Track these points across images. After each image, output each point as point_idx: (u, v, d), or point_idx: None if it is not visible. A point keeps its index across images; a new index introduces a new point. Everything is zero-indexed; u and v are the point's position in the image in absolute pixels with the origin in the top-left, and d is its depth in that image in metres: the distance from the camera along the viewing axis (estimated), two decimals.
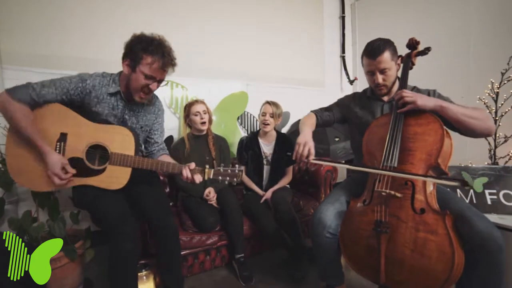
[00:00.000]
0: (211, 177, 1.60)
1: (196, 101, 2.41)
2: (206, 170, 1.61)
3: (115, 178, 1.59)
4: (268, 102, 2.50)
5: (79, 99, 1.58)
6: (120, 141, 1.60)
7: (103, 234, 1.52)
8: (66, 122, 1.56)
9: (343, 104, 1.89)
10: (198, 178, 1.60)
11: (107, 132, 1.60)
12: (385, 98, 1.74)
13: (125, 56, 1.57)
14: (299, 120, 3.38)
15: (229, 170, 1.60)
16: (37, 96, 1.47)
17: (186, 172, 1.59)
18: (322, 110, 1.91)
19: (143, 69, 1.52)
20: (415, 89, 1.67)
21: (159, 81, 1.61)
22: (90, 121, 1.59)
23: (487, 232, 1.20)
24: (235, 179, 1.60)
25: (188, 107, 2.42)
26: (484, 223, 1.23)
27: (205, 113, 2.38)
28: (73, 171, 1.51)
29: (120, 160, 1.57)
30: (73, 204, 1.74)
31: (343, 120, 1.91)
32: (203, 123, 2.37)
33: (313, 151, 1.52)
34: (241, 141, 2.64)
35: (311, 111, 1.92)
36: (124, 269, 1.52)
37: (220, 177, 1.61)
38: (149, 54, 1.51)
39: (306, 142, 1.53)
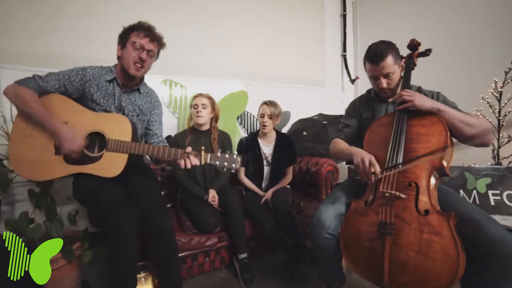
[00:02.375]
0: (208, 161, 1.57)
1: (200, 94, 2.41)
2: (203, 153, 1.57)
3: (111, 165, 1.62)
4: (265, 103, 2.46)
5: (80, 86, 1.67)
6: (117, 128, 1.65)
7: (101, 235, 1.51)
8: (68, 112, 1.62)
9: (355, 112, 1.84)
10: (194, 162, 1.58)
11: (105, 119, 1.66)
12: (390, 99, 1.72)
13: (118, 44, 1.72)
14: (300, 119, 3.41)
15: (226, 156, 1.57)
16: (42, 82, 1.58)
17: (186, 160, 1.58)
18: (341, 130, 1.83)
19: (131, 40, 1.66)
20: (419, 90, 1.66)
21: (149, 52, 1.69)
22: (90, 110, 1.67)
23: (499, 236, 1.18)
24: (233, 165, 1.57)
25: (192, 99, 2.43)
26: (496, 227, 1.21)
27: (204, 108, 2.35)
28: (83, 141, 1.57)
29: (117, 146, 1.60)
30: (72, 195, 1.72)
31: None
32: (198, 116, 2.35)
33: (375, 161, 1.40)
34: (241, 142, 2.61)
35: (334, 138, 1.81)
36: (124, 250, 1.51)
37: (217, 162, 1.57)
38: (135, 30, 1.67)
39: (363, 158, 1.41)
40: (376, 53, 1.56)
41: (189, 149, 1.59)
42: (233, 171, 1.61)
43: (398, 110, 1.50)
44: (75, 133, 1.53)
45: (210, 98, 2.42)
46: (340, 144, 1.73)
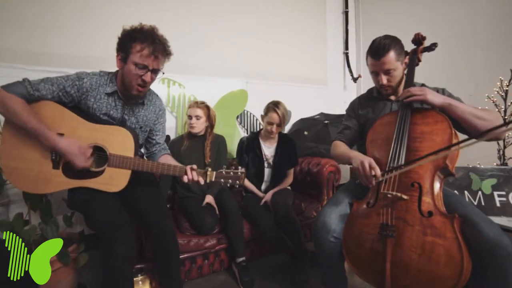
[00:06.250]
0: (213, 179, 1.57)
1: (195, 103, 2.38)
2: (208, 172, 1.57)
3: (114, 180, 1.56)
4: (274, 110, 2.33)
5: (76, 98, 1.55)
6: (119, 142, 1.57)
7: (98, 237, 1.48)
8: (63, 123, 1.52)
9: (353, 113, 1.82)
10: (200, 181, 1.57)
11: (105, 133, 1.56)
12: (393, 97, 1.70)
13: (117, 52, 1.54)
14: (301, 119, 3.37)
15: (231, 173, 1.57)
16: (32, 89, 1.44)
17: (189, 174, 1.55)
18: (341, 132, 1.80)
19: (133, 58, 1.48)
20: (423, 86, 1.62)
21: (153, 71, 1.54)
22: (88, 122, 1.55)
23: (495, 239, 1.15)
24: (237, 182, 1.57)
25: (188, 107, 2.41)
26: (493, 230, 1.18)
27: (198, 119, 2.34)
28: (91, 150, 1.49)
29: (119, 162, 1.53)
30: (67, 205, 1.69)
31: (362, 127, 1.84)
32: (192, 127, 2.34)
33: (375, 164, 1.37)
34: (242, 142, 2.55)
35: (334, 140, 1.78)
36: (118, 273, 1.48)
37: (222, 180, 1.57)
38: (138, 42, 1.47)
39: (362, 162, 1.39)
40: (379, 48, 1.54)
41: (194, 166, 1.58)
42: (236, 186, 1.61)
43: (401, 107, 1.47)
44: (79, 144, 1.46)
45: (204, 108, 2.38)
46: (339, 147, 1.70)
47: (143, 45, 1.46)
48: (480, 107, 1.41)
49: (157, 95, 1.83)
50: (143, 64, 1.48)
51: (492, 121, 1.34)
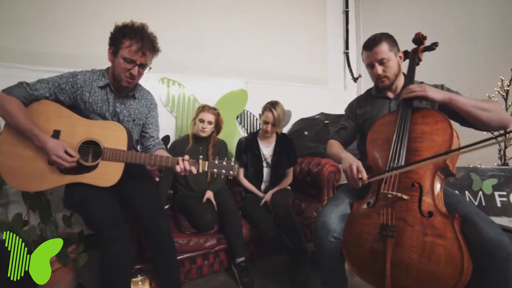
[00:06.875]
0: (206, 169, 1.59)
1: (208, 108, 2.39)
2: (201, 162, 1.59)
3: (108, 174, 1.59)
4: (270, 109, 2.37)
5: (70, 94, 1.62)
6: (113, 136, 1.61)
7: (96, 237, 1.48)
8: (59, 120, 1.58)
9: (351, 113, 1.84)
10: (190, 169, 1.59)
11: (100, 128, 1.62)
12: (391, 95, 1.69)
13: (109, 45, 1.62)
14: (301, 119, 3.36)
15: (224, 163, 1.59)
16: (31, 90, 1.52)
17: (181, 164, 1.57)
18: (338, 132, 1.86)
19: (122, 53, 1.56)
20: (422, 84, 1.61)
21: (140, 66, 1.61)
22: (83, 118, 1.62)
23: (495, 239, 1.15)
24: (231, 172, 1.59)
25: (199, 110, 2.41)
26: (493, 230, 1.18)
27: (209, 124, 2.37)
28: (77, 154, 1.53)
29: (113, 155, 1.57)
30: (63, 205, 1.70)
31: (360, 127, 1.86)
32: (203, 131, 2.36)
33: (362, 168, 1.42)
34: (240, 142, 2.56)
35: (330, 139, 1.85)
36: (115, 272, 1.49)
37: (215, 170, 1.59)
38: (127, 38, 1.55)
39: (350, 165, 1.44)
40: (370, 40, 1.60)
41: (186, 157, 1.59)
42: (230, 177, 1.62)
43: (402, 107, 1.47)
44: (64, 146, 1.49)
45: (216, 115, 2.42)
46: (334, 147, 1.77)
47: (131, 41, 1.54)
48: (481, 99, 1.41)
49: (148, 91, 1.89)
50: (131, 59, 1.56)
51: (496, 111, 1.35)
